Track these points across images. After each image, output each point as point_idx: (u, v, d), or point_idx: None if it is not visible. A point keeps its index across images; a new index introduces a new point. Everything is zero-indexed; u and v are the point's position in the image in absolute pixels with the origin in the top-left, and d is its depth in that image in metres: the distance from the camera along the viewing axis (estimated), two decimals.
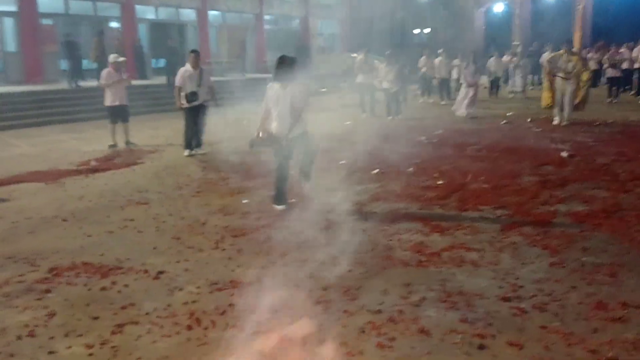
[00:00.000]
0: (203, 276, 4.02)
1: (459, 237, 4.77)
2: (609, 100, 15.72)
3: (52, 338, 3.20)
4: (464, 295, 3.62)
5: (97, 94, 10.22)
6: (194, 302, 3.62)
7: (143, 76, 18.19)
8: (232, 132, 11.00)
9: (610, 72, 16.32)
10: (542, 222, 5.09)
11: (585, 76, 11.47)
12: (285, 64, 5.59)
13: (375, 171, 7.19)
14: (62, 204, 6.12)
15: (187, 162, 8.37)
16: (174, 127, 10.10)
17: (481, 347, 3.00)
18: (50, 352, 3.05)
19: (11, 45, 16.52)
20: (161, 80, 17.09)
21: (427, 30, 29.84)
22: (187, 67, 8.66)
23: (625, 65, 16.40)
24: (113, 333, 3.23)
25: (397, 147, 8.97)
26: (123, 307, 3.55)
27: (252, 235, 4.91)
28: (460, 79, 14.16)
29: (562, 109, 11.36)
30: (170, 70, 14.87)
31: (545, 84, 12.15)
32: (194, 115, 8.74)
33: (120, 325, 3.31)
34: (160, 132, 11.34)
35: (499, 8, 30.74)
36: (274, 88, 5.60)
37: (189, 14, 21.35)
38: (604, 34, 22.03)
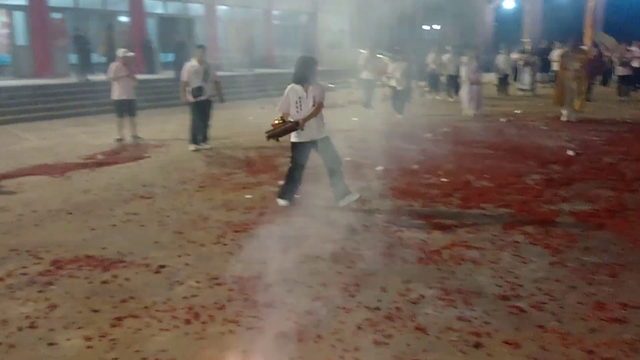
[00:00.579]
0: (203, 271, 4.05)
1: (461, 235, 4.76)
2: (621, 98, 15.59)
3: (52, 330, 3.24)
4: (462, 293, 3.62)
5: (106, 88, 10.25)
6: (193, 296, 3.65)
7: (151, 71, 18.21)
8: (238, 128, 11.08)
9: (620, 71, 16.18)
10: (544, 221, 5.08)
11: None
12: (307, 64, 5.40)
13: (380, 168, 7.18)
14: (68, 197, 6.17)
15: (192, 157, 8.40)
16: (181, 121, 10.13)
17: (477, 345, 3.00)
18: (50, 344, 3.09)
19: (21, 39, 16.61)
20: (169, 74, 17.12)
21: (436, 27, 29.67)
22: (193, 62, 8.67)
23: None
24: (112, 326, 3.27)
25: (402, 144, 8.97)
26: (123, 301, 3.59)
27: (254, 230, 4.94)
28: (463, 75, 13.94)
29: (570, 106, 11.34)
30: (179, 65, 14.83)
31: (558, 80, 12.10)
32: (200, 110, 8.76)
33: (120, 319, 3.35)
34: (167, 126, 11.38)
35: (509, 4, 30.51)
36: (295, 90, 5.35)
37: (197, 9, 21.39)
38: (615, 31, 21.81)
